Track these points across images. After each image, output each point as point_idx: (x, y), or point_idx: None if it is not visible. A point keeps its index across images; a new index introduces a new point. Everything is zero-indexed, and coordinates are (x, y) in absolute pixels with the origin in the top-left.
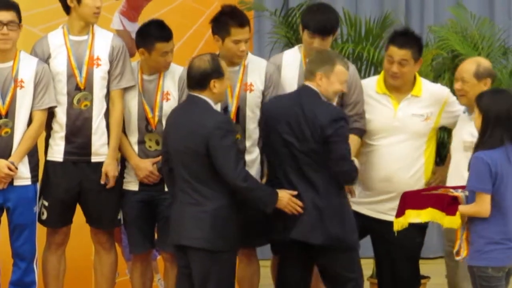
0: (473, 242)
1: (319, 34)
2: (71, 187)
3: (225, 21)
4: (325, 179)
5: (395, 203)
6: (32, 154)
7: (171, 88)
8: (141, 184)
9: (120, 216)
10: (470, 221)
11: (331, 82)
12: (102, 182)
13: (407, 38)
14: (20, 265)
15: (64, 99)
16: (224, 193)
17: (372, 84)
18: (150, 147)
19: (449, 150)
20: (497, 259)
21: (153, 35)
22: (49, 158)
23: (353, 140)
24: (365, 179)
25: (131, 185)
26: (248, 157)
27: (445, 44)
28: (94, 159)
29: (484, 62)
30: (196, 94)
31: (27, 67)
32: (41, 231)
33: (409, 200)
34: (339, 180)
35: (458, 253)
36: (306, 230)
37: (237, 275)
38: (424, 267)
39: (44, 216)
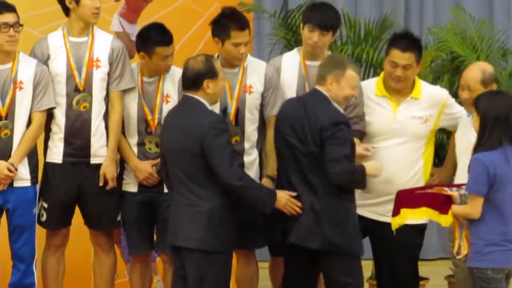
0: (472, 243)
1: (319, 28)
2: (71, 189)
3: (225, 24)
4: (325, 183)
5: None
6: (32, 156)
7: (171, 90)
8: (140, 185)
9: (119, 217)
10: (469, 222)
11: (341, 87)
12: (101, 184)
13: (408, 41)
14: (20, 266)
15: (63, 101)
16: (220, 193)
17: (371, 86)
18: (150, 149)
19: (447, 151)
20: (497, 261)
21: (153, 39)
22: (48, 159)
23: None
24: None
25: (130, 187)
26: (246, 159)
27: (444, 46)
28: (93, 160)
29: (488, 68)
30: (190, 94)
31: (26, 68)
32: (40, 233)
33: (404, 199)
34: (332, 182)
35: (458, 253)
36: (303, 234)
37: (235, 276)
38: (423, 269)
39: (44, 218)
